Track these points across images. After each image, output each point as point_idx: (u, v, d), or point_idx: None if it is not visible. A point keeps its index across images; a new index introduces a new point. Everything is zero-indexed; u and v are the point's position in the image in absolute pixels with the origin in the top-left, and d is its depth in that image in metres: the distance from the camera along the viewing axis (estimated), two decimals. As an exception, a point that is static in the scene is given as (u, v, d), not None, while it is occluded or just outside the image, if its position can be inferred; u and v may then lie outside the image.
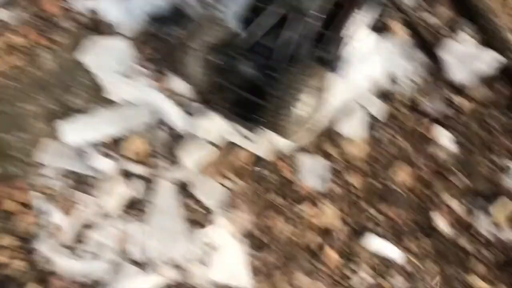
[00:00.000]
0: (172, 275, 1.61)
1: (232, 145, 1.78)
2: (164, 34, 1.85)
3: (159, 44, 1.85)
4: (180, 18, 1.87)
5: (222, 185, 1.73)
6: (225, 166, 1.76)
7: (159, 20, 1.87)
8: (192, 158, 1.71)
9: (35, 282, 1.56)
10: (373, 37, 1.92)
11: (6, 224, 1.62)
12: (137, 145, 1.73)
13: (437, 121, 1.90)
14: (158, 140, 1.75)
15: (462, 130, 1.90)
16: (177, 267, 1.62)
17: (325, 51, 1.67)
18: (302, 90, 1.55)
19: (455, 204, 1.82)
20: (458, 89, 1.93)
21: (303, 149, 1.84)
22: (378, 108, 1.90)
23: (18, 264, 1.56)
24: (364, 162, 1.86)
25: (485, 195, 1.84)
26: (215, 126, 1.72)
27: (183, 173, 1.71)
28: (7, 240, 1.59)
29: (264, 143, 1.75)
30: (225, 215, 1.70)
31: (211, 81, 1.68)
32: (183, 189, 1.73)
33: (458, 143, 1.89)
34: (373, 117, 1.89)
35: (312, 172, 1.81)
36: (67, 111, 1.77)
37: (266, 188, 1.79)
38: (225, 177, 1.75)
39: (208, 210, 1.71)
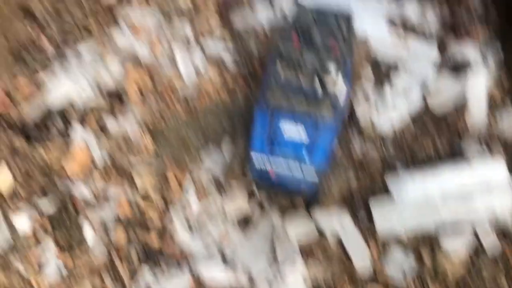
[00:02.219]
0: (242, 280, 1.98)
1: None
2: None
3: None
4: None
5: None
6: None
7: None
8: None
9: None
10: None
11: None
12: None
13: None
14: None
15: None
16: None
17: None
18: None
19: None
20: None
21: (400, 241, 1.94)
22: (491, 243, 1.88)
23: None
24: (454, 282, 1.86)
25: None
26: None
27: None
28: None
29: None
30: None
31: None
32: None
33: None
34: (481, 247, 1.88)
35: (397, 265, 1.91)
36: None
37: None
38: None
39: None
